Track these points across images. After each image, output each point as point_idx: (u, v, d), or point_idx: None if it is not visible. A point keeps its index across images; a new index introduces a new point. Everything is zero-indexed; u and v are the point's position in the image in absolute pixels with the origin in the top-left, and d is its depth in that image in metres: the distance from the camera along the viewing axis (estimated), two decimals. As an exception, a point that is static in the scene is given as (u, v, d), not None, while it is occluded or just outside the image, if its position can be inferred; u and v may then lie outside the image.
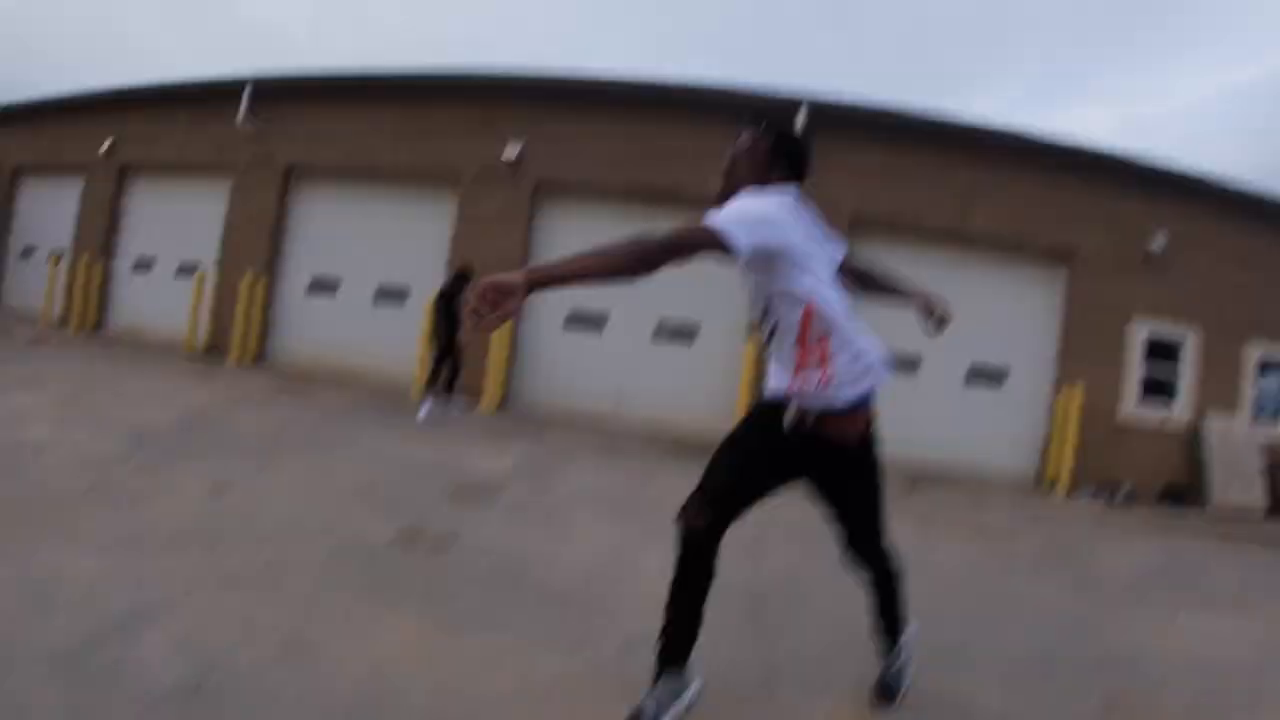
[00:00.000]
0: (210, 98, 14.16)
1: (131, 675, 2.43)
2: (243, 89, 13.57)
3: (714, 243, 2.13)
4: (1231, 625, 4.82)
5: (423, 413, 9.31)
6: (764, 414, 2.58)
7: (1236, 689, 3.62)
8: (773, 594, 4.25)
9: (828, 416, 2.45)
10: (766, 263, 2.32)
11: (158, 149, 15.05)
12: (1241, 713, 3.35)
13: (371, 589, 3.49)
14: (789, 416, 2.50)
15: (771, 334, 2.50)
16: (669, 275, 8.48)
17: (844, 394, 2.41)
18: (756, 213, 2.26)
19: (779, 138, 2.59)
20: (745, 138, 2.59)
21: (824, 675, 3.07)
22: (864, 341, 2.46)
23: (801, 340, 2.41)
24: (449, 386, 9.87)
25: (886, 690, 2.91)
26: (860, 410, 2.46)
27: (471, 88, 12.63)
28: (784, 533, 5.32)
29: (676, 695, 2.50)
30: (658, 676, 2.52)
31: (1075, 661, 3.72)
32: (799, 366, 2.43)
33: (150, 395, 7.78)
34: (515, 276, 1.82)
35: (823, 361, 2.40)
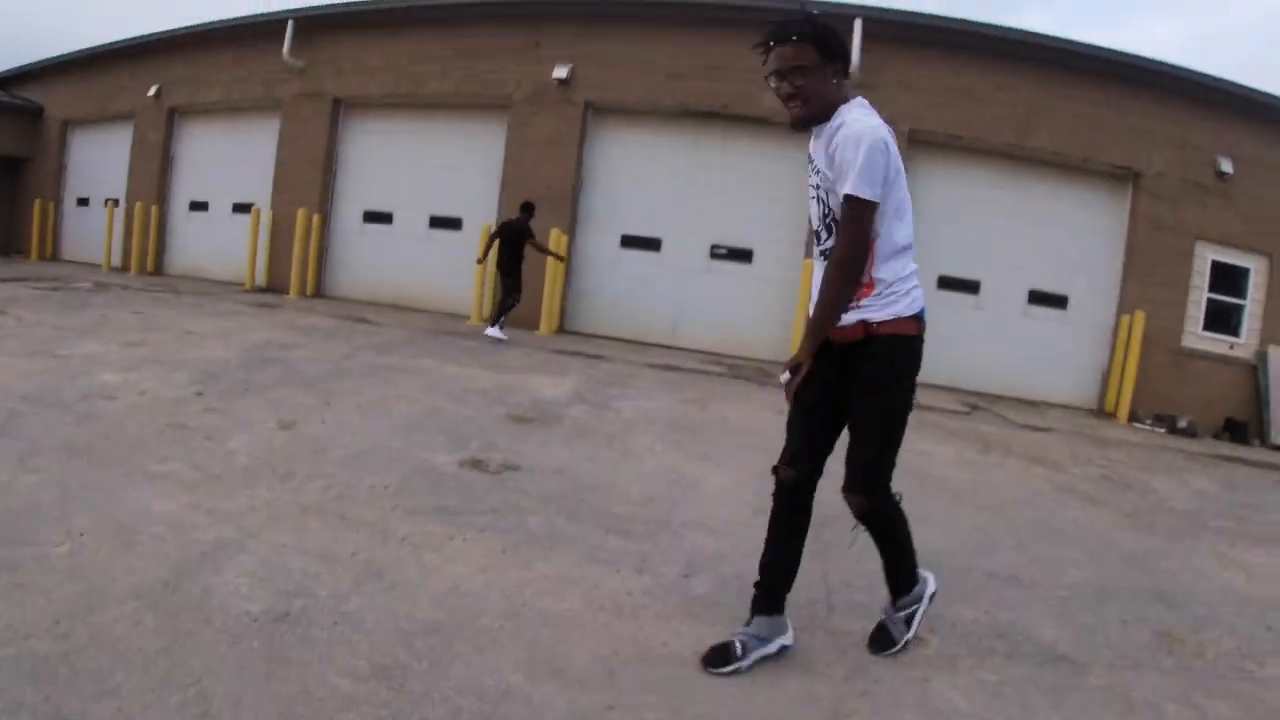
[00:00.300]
0: (254, 35, 14.24)
1: (219, 606, 2.56)
2: (286, 23, 13.57)
3: (871, 216, 2.37)
4: (1287, 563, 4.77)
5: (493, 331, 9.95)
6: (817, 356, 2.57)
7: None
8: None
9: (856, 329, 2.49)
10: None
11: (205, 90, 15.21)
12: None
13: (440, 515, 3.62)
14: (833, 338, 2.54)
15: (826, 251, 2.55)
16: (723, 196, 8.37)
17: (872, 314, 2.48)
18: (880, 164, 2.35)
19: (817, 35, 2.43)
20: (788, 51, 2.42)
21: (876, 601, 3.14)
22: (910, 280, 2.54)
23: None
24: (504, 312, 10.25)
25: (879, 640, 2.79)
26: (875, 327, 2.48)
27: (518, 8, 12.50)
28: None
29: (765, 641, 2.60)
30: (752, 616, 2.63)
31: (1127, 594, 3.73)
32: None
33: (213, 335, 7.99)
34: (800, 356, 2.46)
35: (866, 286, 2.47)
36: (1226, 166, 11.35)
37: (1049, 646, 3.01)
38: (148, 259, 15.46)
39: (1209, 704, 2.71)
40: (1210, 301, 11.79)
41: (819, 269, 2.57)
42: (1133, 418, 10.78)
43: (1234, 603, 3.83)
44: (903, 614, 2.78)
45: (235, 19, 14.44)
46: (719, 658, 2.53)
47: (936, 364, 11.65)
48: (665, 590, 3.11)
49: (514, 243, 10.23)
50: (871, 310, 2.47)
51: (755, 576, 2.69)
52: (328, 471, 4.09)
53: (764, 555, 2.68)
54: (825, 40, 2.43)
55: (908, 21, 11.19)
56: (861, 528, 2.68)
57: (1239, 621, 3.58)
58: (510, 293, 10.29)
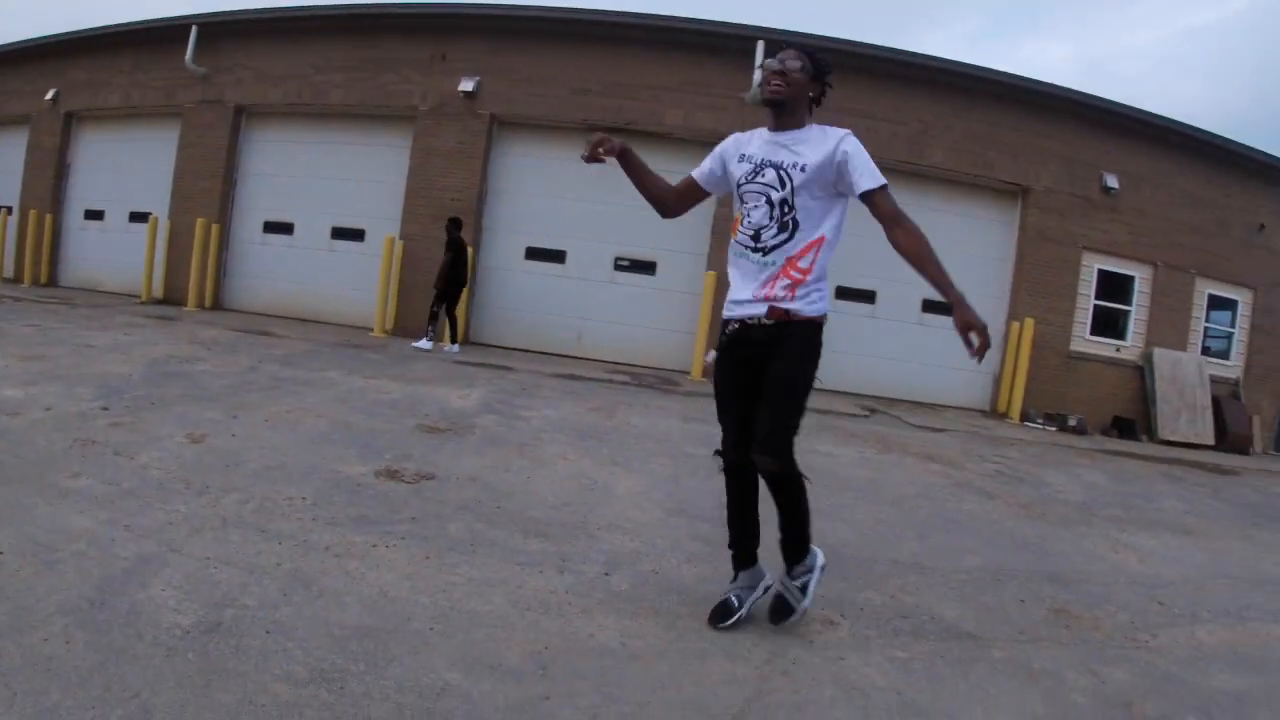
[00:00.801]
0: (156, 40, 13.84)
1: (150, 620, 2.54)
2: (189, 29, 13.23)
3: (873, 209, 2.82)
4: (1174, 547, 5.18)
5: (421, 343, 10.55)
6: (724, 344, 2.96)
7: (1176, 604, 3.94)
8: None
9: (776, 315, 2.80)
10: (838, 193, 2.86)
11: (104, 95, 14.68)
12: (1181, 625, 3.65)
13: (361, 525, 3.64)
14: (747, 323, 2.87)
15: (768, 249, 2.83)
16: (627, 210, 8.51)
17: (799, 305, 2.81)
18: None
19: (813, 55, 2.96)
20: (795, 61, 2.88)
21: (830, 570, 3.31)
22: (824, 282, 2.88)
23: (793, 262, 2.80)
24: (434, 323, 10.90)
25: (779, 609, 2.99)
26: (795, 315, 2.80)
27: (425, 20, 12.47)
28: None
29: (753, 587, 3.05)
30: (790, 569, 3.00)
31: (1024, 576, 4.02)
32: (776, 280, 2.81)
33: (113, 348, 7.73)
34: (967, 314, 2.57)
35: (795, 284, 2.79)
36: (1112, 182, 12.21)
37: (952, 624, 3.25)
38: (41, 270, 14.80)
39: (1107, 671, 2.98)
40: (1097, 308, 12.62)
41: (752, 263, 2.86)
42: (1025, 417, 11.39)
43: (1125, 581, 4.16)
44: (798, 582, 2.99)
45: (137, 22, 14.02)
46: (723, 614, 2.94)
47: (835, 371, 12.14)
48: (587, 587, 3.21)
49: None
50: (799, 304, 2.79)
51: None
52: (243, 485, 4.05)
53: (731, 527, 3.05)
54: (819, 63, 2.96)
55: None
56: (720, 462, 3.01)
57: (1131, 598, 3.90)
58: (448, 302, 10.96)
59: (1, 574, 2.75)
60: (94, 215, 15.01)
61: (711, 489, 4.74)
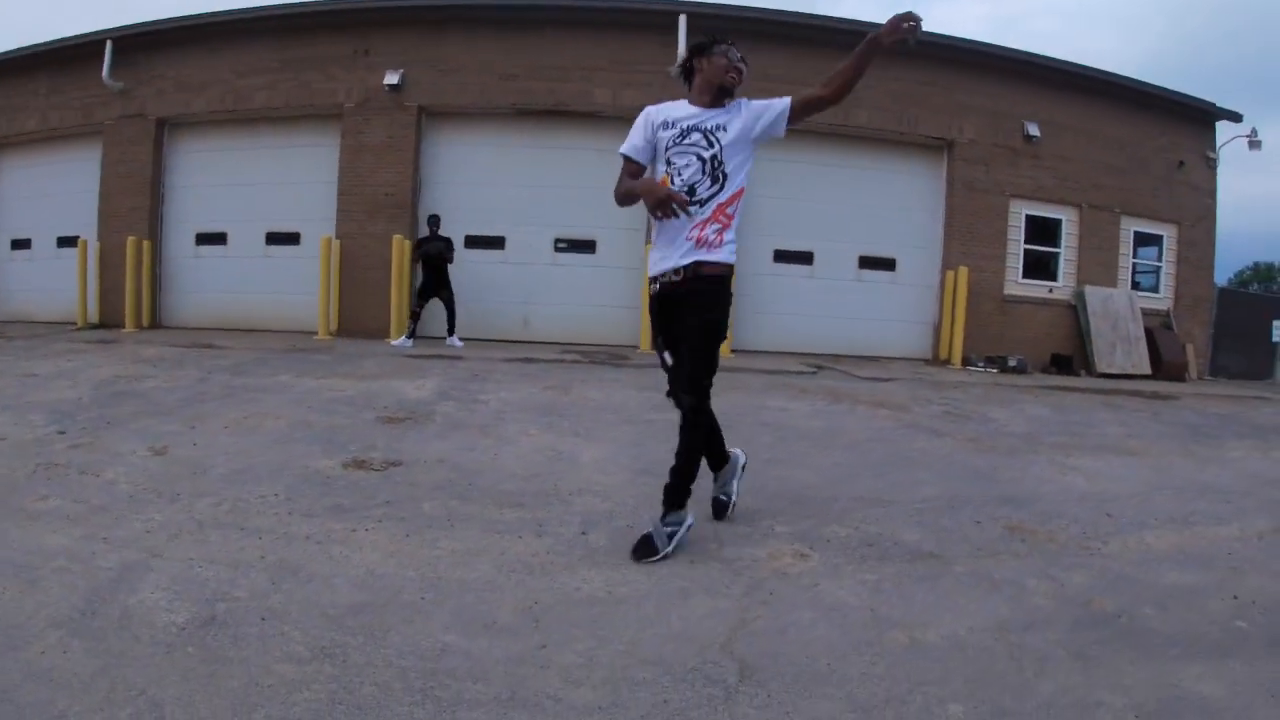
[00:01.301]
0: (70, 58, 13.45)
1: (143, 622, 2.58)
2: (104, 44, 12.88)
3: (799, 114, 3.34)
4: (1118, 466, 5.47)
5: (399, 342, 10.69)
6: (653, 300, 3.38)
7: (1124, 515, 4.20)
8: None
9: (702, 263, 3.23)
10: (754, 148, 3.35)
11: (20, 120, 14.22)
12: (1131, 533, 3.90)
13: (337, 513, 3.70)
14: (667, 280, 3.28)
15: (705, 200, 3.25)
16: (563, 191, 8.70)
17: (719, 256, 3.26)
18: None
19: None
20: (740, 55, 3.37)
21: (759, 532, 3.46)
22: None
23: (722, 209, 3.25)
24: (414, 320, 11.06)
25: (717, 507, 3.65)
26: (718, 267, 3.26)
27: (346, 15, 12.33)
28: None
29: (680, 523, 3.27)
30: (664, 515, 3.26)
31: (977, 501, 4.24)
32: (709, 222, 3.24)
33: (57, 375, 7.59)
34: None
35: (723, 228, 3.26)
36: (1034, 130, 12.64)
37: (915, 547, 3.46)
38: (-31, 303, 14.34)
39: (1065, 575, 3.22)
40: (1028, 252, 13.07)
41: (696, 214, 3.23)
42: (966, 362, 11.75)
43: (1075, 499, 4.42)
44: (668, 529, 3.25)
45: (49, 42, 13.61)
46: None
47: (779, 331, 12.34)
48: (567, 547, 3.34)
49: (438, 265, 10.96)
50: (723, 251, 3.27)
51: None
52: (213, 489, 4.07)
53: (678, 472, 3.31)
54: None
55: (730, 15, 11.76)
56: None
57: (1081, 512, 4.15)
58: (451, 300, 11.11)
59: (-14, 598, 2.76)
60: (20, 244, 14.58)
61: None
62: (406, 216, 11.91)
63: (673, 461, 3.30)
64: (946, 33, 12.94)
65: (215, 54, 12.71)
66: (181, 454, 4.77)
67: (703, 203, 3.23)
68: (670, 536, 3.21)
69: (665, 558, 3.16)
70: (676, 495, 3.27)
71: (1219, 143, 14.81)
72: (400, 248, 11.35)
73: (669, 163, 3.31)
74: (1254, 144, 14.62)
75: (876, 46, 3.22)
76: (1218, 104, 14.61)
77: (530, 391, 7.29)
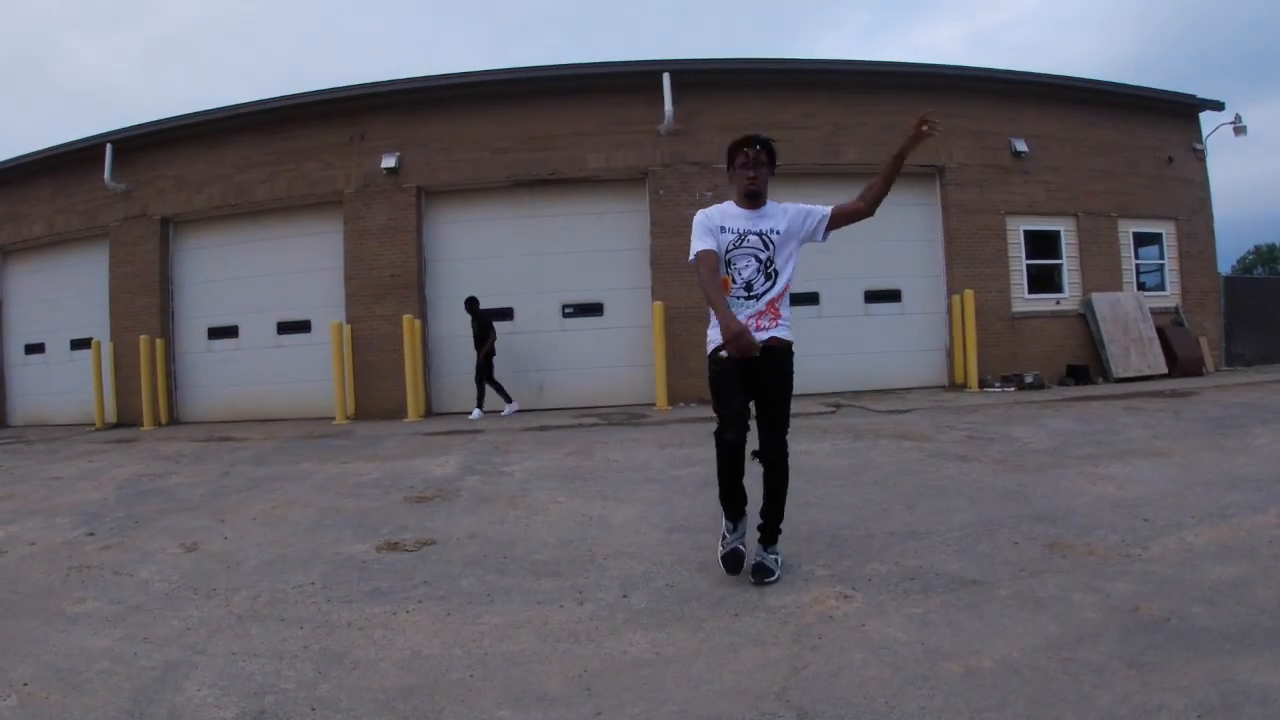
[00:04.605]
0: (72, 162, 13.80)
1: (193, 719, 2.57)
2: (104, 147, 13.21)
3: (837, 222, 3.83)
4: (1148, 470, 5.45)
5: (475, 414, 11.19)
6: (725, 363, 3.57)
7: (1160, 518, 4.18)
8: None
9: (770, 342, 3.56)
10: (799, 247, 3.78)
11: (26, 227, 14.56)
12: (1169, 534, 3.89)
13: (376, 597, 3.69)
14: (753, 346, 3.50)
15: (760, 295, 3.64)
16: (566, 256, 8.88)
17: (780, 333, 3.65)
18: None
19: (770, 151, 3.76)
20: (759, 156, 3.70)
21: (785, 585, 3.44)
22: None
23: (776, 300, 3.66)
24: (483, 393, 11.48)
25: (759, 570, 3.60)
26: (782, 342, 3.66)
27: (339, 104, 12.59)
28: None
29: (779, 554, 3.69)
30: (735, 526, 3.71)
31: (1012, 523, 4.22)
32: (764, 314, 3.63)
33: (80, 477, 7.65)
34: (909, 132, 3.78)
35: (777, 315, 3.67)
36: (1021, 146, 12.78)
37: (957, 576, 3.44)
38: (-14, 411, 14.48)
39: (1109, 585, 3.20)
40: (1030, 267, 13.09)
41: (745, 307, 3.63)
42: (983, 384, 11.71)
43: (1109, 508, 4.39)
44: (773, 556, 3.66)
45: (51, 148, 13.95)
46: (738, 561, 3.63)
47: (795, 376, 12.41)
48: (610, 611, 3.31)
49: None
50: (783, 331, 3.68)
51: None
52: (249, 581, 4.07)
53: (728, 490, 3.67)
54: (771, 151, 3.76)
55: (711, 68, 12.00)
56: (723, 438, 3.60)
57: (1118, 520, 4.13)
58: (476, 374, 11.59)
59: (31, 704, 2.75)
60: (34, 349, 14.79)
61: (703, 505, 4.90)
62: (414, 296, 12.05)
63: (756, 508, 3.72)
64: (925, 60, 13.10)
65: (214, 150, 13.00)
66: (213, 548, 4.77)
67: (758, 298, 3.64)
68: (777, 562, 3.62)
69: (779, 577, 3.53)
70: (775, 527, 3.69)
71: (1205, 133, 14.94)
72: (410, 327, 11.45)
73: (729, 264, 3.65)
74: (1239, 130, 14.69)
75: (903, 157, 3.70)
76: (1199, 95, 14.78)
77: (553, 458, 7.29)
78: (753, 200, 3.73)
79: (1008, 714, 2.26)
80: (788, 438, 3.67)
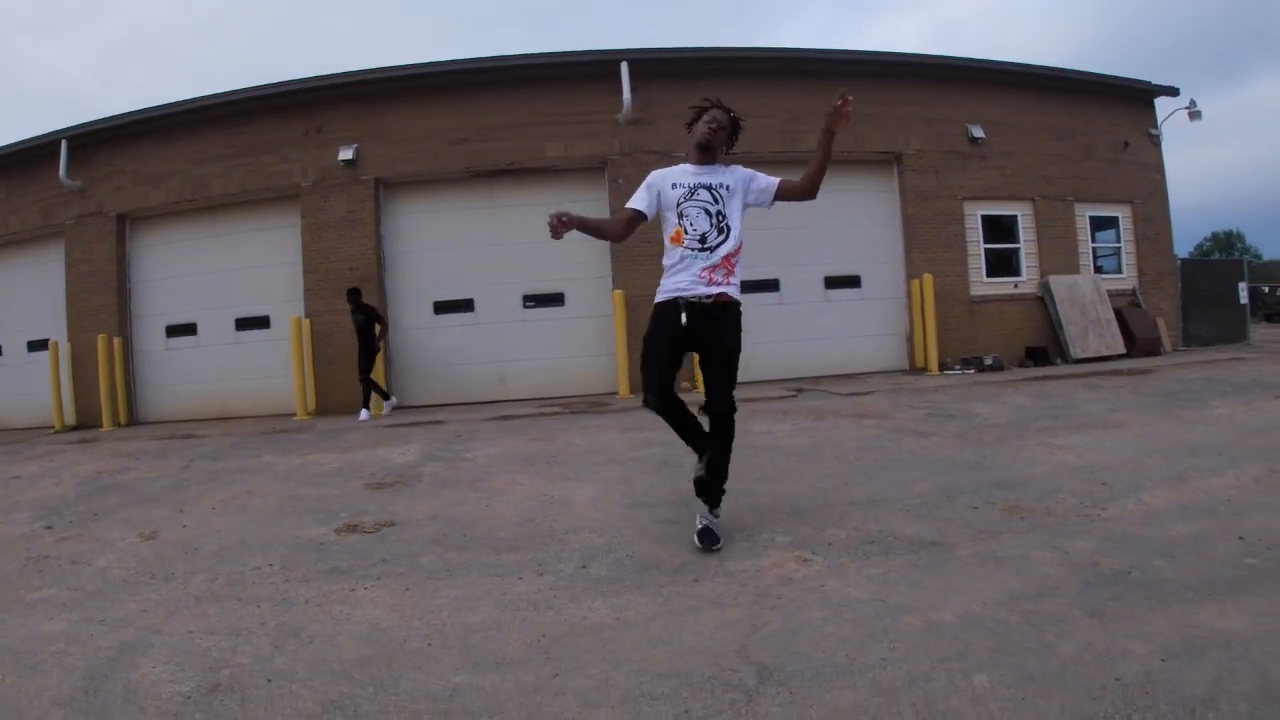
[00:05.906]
0: (25, 161, 13.48)
1: (148, 694, 2.54)
2: (59, 144, 12.94)
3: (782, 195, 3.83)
4: (1106, 440, 5.56)
5: (362, 415, 10.74)
6: (665, 312, 3.73)
7: (1119, 483, 4.27)
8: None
9: (720, 297, 3.66)
10: (744, 209, 3.82)
11: (-22, 225, 14.13)
12: (1128, 496, 3.98)
13: (334, 575, 3.67)
14: (694, 301, 3.66)
15: (714, 248, 3.70)
16: (526, 247, 8.86)
17: (731, 290, 3.71)
18: None
19: (733, 120, 3.88)
20: (723, 116, 3.82)
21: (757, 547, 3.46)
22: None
23: (728, 259, 3.71)
24: (375, 390, 11.18)
25: (705, 536, 3.64)
26: (731, 299, 3.72)
27: (295, 96, 12.41)
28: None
29: (700, 460, 3.83)
30: (712, 509, 3.75)
31: (972, 490, 4.28)
32: (718, 268, 3.68)
33: (40, 475, 7.51)
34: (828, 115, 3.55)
35: (731, 269, 3.72)
36: (978, 132, 12.93)
37: (917, 538, 3.49)
38: (-59, 415, 14.12)
39: (1070, 544, 3.28)
40: (989, 251, 13.24)
41: (698, 260, 3.69)
42: (943, 367, 11.85)
43: (1067, 474, 4.48)
44: (719, 519, 3.76)
45: (4, 146, 13.60)
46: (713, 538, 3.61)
47: (754, 359, 12.41)
48: (569, 581, 3.32)
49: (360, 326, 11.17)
50: (733, 289, 3.73)
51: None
52: (207, 566, 4.02)
53: (686, 434, 3.86)
54: (735, 121, 3.89)
55: (668, 58, 11.99)
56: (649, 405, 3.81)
57: (1076, 485, 4.22)
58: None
59: (-15, 685, 2.72)
60: (-11, 350, 14.45)
61: (664, 481, 4.92)
62: (374, 288, 11.91)
63: (700, 474, 3.79)
64: (883, 49, 13.22)
65: (169, 145, 12.75)
66: (172, 537, 4.71)
67: (712, 249, 3.70)
68: (716, 524, 3.69)
69: (722, 545, 3.56)
70: (717, 485, 3.76)
71: (1160, 118, 15.16)
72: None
73: (681, 215, 3.73)
74: (1194, 115, 14.88)
75: (830, 136, 3.58)
76: (1154, 80, 15.01)
77: (515, 444, 7.28)
78: (705, 152, 3.82)
79: (970, 663, 2.30)
80: (732, 394, 3.73)
